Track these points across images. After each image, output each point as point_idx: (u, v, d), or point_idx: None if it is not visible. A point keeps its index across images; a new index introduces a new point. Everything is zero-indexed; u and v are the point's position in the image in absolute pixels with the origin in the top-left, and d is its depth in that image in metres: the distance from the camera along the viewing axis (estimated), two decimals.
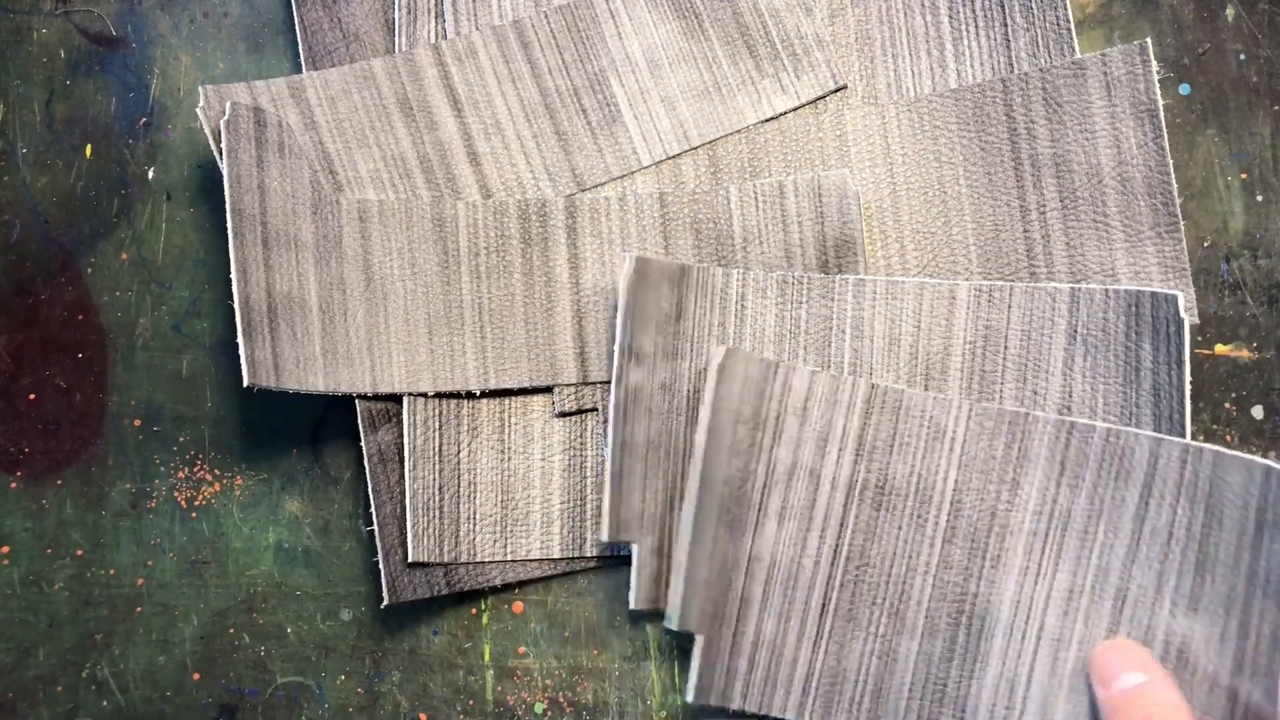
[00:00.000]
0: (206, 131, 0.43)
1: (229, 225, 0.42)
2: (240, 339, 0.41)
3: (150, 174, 0.47)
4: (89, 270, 0.47)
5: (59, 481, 0.46)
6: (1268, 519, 0.38)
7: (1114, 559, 0.40)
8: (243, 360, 0.41)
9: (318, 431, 0.46)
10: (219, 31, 0.48)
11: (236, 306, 0.41)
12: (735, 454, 0.42)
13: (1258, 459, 0.39)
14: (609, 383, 0.45)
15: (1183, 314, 0.40)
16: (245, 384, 0.40)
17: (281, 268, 0.43)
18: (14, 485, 0.46)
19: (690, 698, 0.41)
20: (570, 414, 0.45)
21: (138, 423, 0.46)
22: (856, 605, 0.42)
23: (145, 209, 0.47)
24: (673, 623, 0.41)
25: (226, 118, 0.43)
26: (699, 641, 0.41)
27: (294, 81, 0.45)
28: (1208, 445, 0.40)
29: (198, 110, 0.44)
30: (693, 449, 0.42)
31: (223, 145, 0.42)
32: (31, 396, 0.46)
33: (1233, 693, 0.39)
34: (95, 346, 0.47)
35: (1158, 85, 0.42)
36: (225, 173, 0.42)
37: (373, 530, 0.44)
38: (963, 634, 0.42)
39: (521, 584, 0.45)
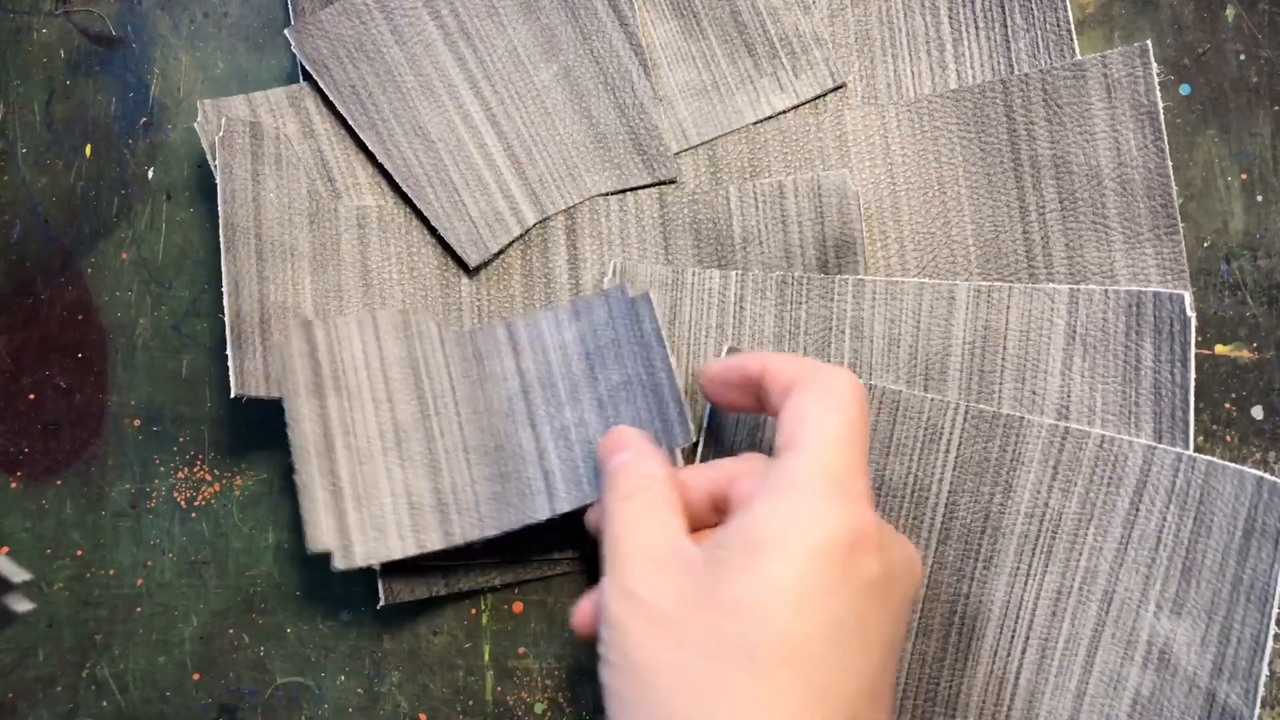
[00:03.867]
0: (205, 147, 0.44)
1: (222, 240, 0.42)
2: (230, 351, 0.41)
3: (150, 174, 0.47)
4: (89, 270, 0.47)
5: (59, 482, 0.46)
6: (1256, 527, 0.39)
7: (1102, 562, 0.41)
8: (231, 372, 0.41)
9: None
10: (219, 32, 0.48)
11: (227, 321, 0.41)
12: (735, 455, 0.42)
13: (1249, 470, 0.40)
14: None
15: (1189, 313, 0.41)
16: (232, 395, 0.41)
17: (276, 278, 0.43)
18: (14, 485, 0.46)
19: None
20: None
21: (137, 423, 0.46)
22: None
23: (145, 209, 0.47)
24: None
25: (221, 134, 0.43)
26: None
27: (292, 90, 0.46)
28: (1201, 455, 0.40)
29: (195, 125, 0.44)
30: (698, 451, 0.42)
31: (217, 161, 0.43)
32: (31, 397, 0.46)
33: (1211, 695, 0.39)
34: (95, 346, 0.47)
35: (1158, 87, 0.42)
36: (220, 189, 0.42)
37: None
38: (955, 634, 0.42)
39: (521, 584, 0.45)
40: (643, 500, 0.34)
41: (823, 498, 0.30)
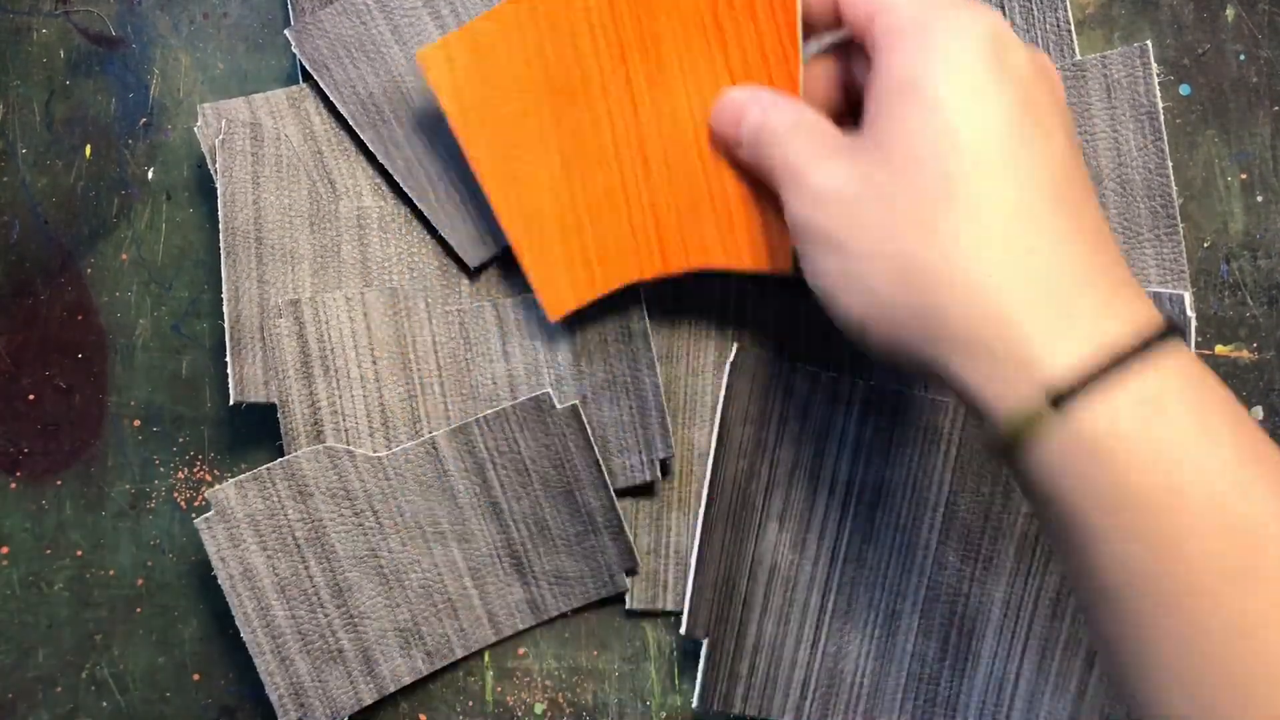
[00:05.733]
0: (204, 151, 0.44)
1: (222, 245, 0.42)
2: (229, 358, 0.41)
3: (150, 174, 0.47)
4: (89, 270, 0.47)
5: (59, 482, 0.46)
6: None
7: None
8: (230, 379, 0.41)
9: None
10: (219, 32, 0.48)
11: (227, 328, 0.42)
12: (742, 454, 0.42)
13: None
14: None
15: (1189, 313, 0.41)
16: (231, 402, 0.41)
17: (276, 282, 0.43)
18: (14, 485, 0.46)
19: (696, 703, 0.41)
20: None
21: (137, 423, 0.46)
22: (854, 607, 0.42)
23: (145, 209, 0.47)
24: (683, 629, 0.41)
25: (221, 137, 0.43)
26: (705, 646, 0.41)
27: (292, 92, 0.46)
28: None
29: (195, 130, 0.44)
30: (707, 450, 0.42)
31: (217, 165, 0.43)
32: (31, 397, 0.46)
33: None
34: (95, 346, 0.47)
35: (1158, 88, 0.42)
36: (220, 192, 0.42)
37: None
38: (955, 635, 0.42)
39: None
40: (792, 131, 0.34)
41: (944, 11, 0.30)
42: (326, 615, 0.42)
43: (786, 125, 0.34)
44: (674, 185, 0.39)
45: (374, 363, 0.44)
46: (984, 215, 0.29)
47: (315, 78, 0.45)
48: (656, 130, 0.39)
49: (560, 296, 0.41)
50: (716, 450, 0.41)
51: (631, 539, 0.43)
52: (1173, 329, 0.28)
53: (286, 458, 0.42)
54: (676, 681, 0.44)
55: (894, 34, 0.31)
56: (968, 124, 0.29)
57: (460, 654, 0.43)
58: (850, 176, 0.31)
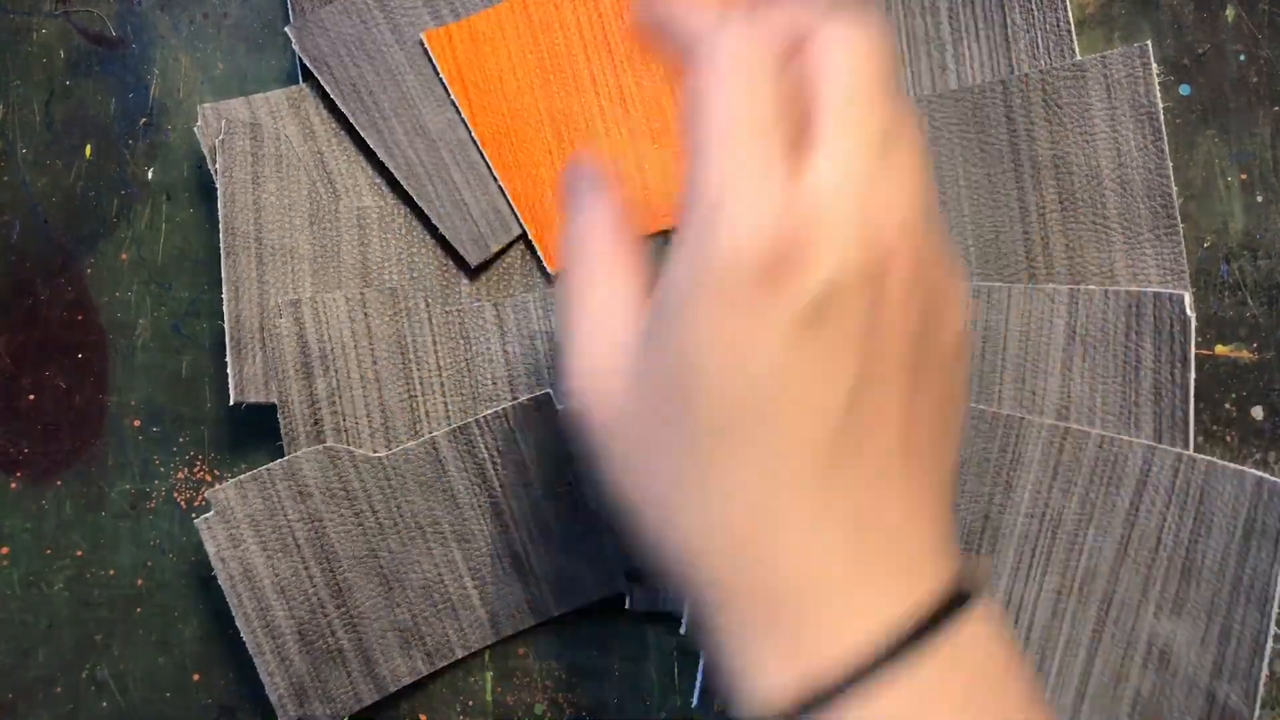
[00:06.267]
0: (204, 151, 0.44)
1: (222, 246, 0.42)
2: (229, 358, 0.42)
3: (150, 174, 0.47)
4: (89, 270, 0.47)
5: (58, 482, 0.46)
6: (1255, 528, 0.39)
7: (1102, 562, 0.41)
8: (230, 378, 0.41)
9: None
10: (219, 32, 0.48)
11: (227, 328, 0.42)
12: None
13: (1249, 470, 0.40)
14: None
15: (1189, 313, 0.41)
16: (231, 402, 0.41)
17: (276, 281, 0.44)
18: (14, 486, 0.46)
19: (695, 703, 0.41)
20: None
21: (137, 423, 0.46)
22: None
23: (145, 209, 0.47)
24: (683, 629, 0.41)
25: (221, 137, 0.43)
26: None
27: (292, 92, 0.46)
28: (1201, 455, 0.40)
29: (195, 130, 0.44)
30: None
31: (217, 165, 0.43)
32: (31, 397, 0.46)
33: (1210, 695, 0.39)
34: (95, 347, 0.47)
35: (1158, 88, 0.42)
36: (220, 192, 0.43)
37: None
38: None
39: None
40: (584, 270, 0.28)
41: (735, 187, 0.24)
42: (326, 615, 0.42)
43: (581, 245, 0.29)
44: (657, 149, 0.44)
45: (374, 363, 0.44)
46: (725, 488, 0.25)
47: (315, 75, 0.45)
48: (640, 107, 0.44)
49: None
50: None
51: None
52: (931, 622, 0.24)
53: (286, 458, 0.42)
54: (676, 681, 0.44)
55: (692, 178, 0.25)
56: (719, 373, 0.24)
57: (460, 654, 0.43)
58: (629, 372, 0.27)
